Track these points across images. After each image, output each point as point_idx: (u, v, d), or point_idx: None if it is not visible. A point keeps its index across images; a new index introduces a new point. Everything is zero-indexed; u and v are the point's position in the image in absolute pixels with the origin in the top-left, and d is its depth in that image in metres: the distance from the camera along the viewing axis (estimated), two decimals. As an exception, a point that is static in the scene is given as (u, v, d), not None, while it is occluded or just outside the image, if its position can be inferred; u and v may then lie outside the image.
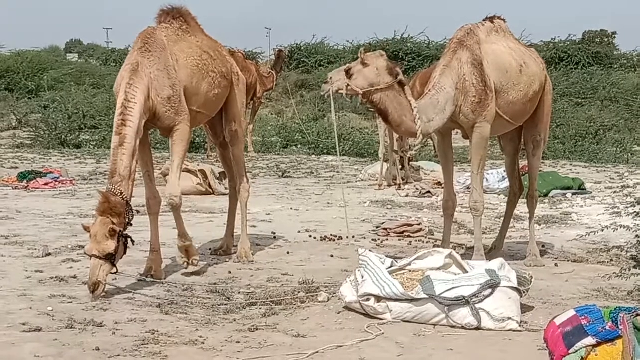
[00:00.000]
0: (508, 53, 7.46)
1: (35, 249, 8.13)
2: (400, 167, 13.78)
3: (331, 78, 7.16)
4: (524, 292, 6.13)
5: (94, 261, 6.35)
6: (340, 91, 7.08)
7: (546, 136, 8.16)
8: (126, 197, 6.56)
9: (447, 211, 7.59)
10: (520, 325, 5.80)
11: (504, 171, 9.95)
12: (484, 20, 7.64)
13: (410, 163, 14.36)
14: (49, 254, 8.00)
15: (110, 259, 6.40)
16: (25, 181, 13.07)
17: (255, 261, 7.92)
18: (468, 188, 12.57)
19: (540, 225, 9.68)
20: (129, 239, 6.59)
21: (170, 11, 7.53)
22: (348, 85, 7.00)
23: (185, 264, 7.17)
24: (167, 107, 6.96)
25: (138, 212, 6.91)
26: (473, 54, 7.22)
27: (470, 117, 7.15)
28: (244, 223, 8.10)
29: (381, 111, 7.04)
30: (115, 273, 6.54)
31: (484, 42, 7.37)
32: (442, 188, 12.75)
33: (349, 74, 7.00)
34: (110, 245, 6.38)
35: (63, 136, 20.56)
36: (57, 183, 13.23)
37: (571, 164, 17.52)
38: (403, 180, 13.69)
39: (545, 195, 12.07)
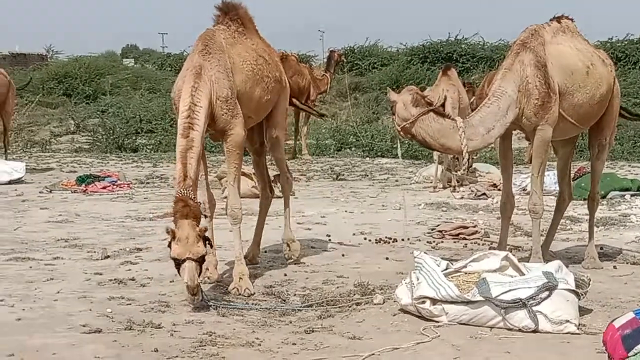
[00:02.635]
0: (574, 54, 7.34)
1: (94, 252, 8.25)
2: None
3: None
4: (582, 295, 6.06)
5: (190, 264, 6.10)
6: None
7: (612, 140, 8.02)
8: (198, 202, 6.45)
9: (505, 213, 7.53)
10: (578, 328, 5.74)
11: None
12: (550, 21, 7.51)
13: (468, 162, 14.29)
14: (108, 257, 8.12)
15: (202, 261, 6.23)
16: (83, 185, 13.26)
17: (310, 263, 7.95)
18: (524, 190, 12.52)
19: (598, 227, 9.55)
20: (207, 242, 6.40)
21: (228, 12, 7.45)
22: (393, 120, 7.26)
23: (235, 290, 6.81)
24: (224, 109, 6.89)
25: (205, 216, 6.86)
26: (536, 56, 7.13)
27: (533, 120, 7.08)
28: (288, 218, 8.06)
29: (421, 142, 7.21)
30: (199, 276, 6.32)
31: (548, 43, 7.25)
32: (498, 190, 12.75)
33: (392, 113, 7.24)
34: (202, 248, 6.20)
35: (120, 140, 20.85)
36: (114, 187, 13.41)
37: (630, 165, 17.27)
38: (458, 182, 13.62)
39: (604, 197, 11.90)
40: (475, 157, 15.72)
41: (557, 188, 8.37)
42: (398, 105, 7.09)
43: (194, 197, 6.38)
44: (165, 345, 5.42)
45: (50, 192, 12.97)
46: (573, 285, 5.92)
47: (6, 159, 15.61)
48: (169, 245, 6.22)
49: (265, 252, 8.33)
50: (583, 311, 6.04)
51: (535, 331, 5.72)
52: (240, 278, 6.82)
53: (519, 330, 5.73)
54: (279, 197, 8.26)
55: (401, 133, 7.18)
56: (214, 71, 6.88)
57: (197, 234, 6.19)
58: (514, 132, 7.54)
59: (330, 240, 9.17)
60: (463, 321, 5.87)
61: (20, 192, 12.82)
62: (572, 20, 7.63)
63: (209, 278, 6.96)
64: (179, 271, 6.19)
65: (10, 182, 13.75)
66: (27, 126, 23.81)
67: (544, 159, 7.25)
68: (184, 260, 6.12)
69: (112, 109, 23.42)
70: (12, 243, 8.81)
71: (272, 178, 10.19)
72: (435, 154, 13.64)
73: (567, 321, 5.73)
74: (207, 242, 6.33)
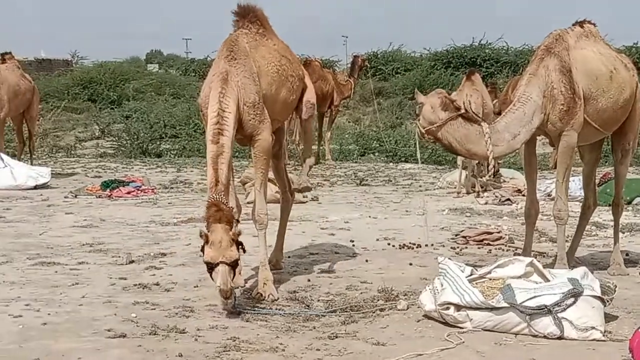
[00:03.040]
0: (598, 59, 7.30)
1: (119, 257, 8.30)
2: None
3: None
4: (608, 301, 6.02)
5: (223, 268, 6.08)
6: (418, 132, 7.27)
7: (635, 144, 7.96)
8: (230, 207, 6.43)
9: (529, 219, 7.49)
10: (604, 335, 5.70)
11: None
12: (573, 25, 7.48)
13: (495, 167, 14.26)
14: (132, 262, 8.16)
15: (235, 265, 6.21)
16: (108, 190, 13.33)
17: (333, 269, 7.94)
18: (548, 195, 12.45)
19: (623, 233, 9.49)
20: (240, 247, 6.37)
21: (246, 14, 7.43)
22: (416, 126, 7.17)
23: (259, 295, 6.78)
24: (251, 115, 6.87)
25: (238, 221, 6.84)
26: (561, 61, 7.10)
27: (558, 126, 7.05)
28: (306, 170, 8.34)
29: (446, 146, 7.15)
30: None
31: (572, 47, 7.22)
32: (522, 195, 12.68)
33: (416, 115, 7.15)
34: (235, 252, 6.18)
35: (144, 145, 20.96)
36: (139, 192, 13.46)
37: (655, 171, 17.15)
38: (482, 187, 13.58)
39: (629, 203, 11.83)
40: (500, 162, 15.66)
41: (582, 194, 8.31)
42: (425, 107, 7.05)
43: (226, 202, 6.36)
44: (190, 350, 5.43)
45: (76, 197, 13.05)
46: (599, 292, 5.88)
47: (32, 163, 15.74)
48: (202, 249, 6.22)
49: (289, 257, 8.33)
50: (609, 318, 6.00)
51: (560, 338, 5.68)
52: (264, 283, 6.83)
53: (544, 336, 5.70)
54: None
55: (426, 136, 7.15)
56: (240, 76, 6.86)
57: (230, 237, 6.18)
58: (538, 137, 7.51)
59: (353, 245, 9.16)
60: (487, 327, 5.84)
61: (46, 197, 12.91)
62: (594, 24, 7.60)
63: (234, 283, 6.95)
64: (211, 275, 6.19)
65: (36, 187, 13.86)
66: (52, 131, 24.01)
67: (569, 164, 7.21)
68: (217, 264, 6.12)
69: (136, 114, 23.55)
70: (37, 248, 8.87)
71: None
72: (459, 159, 13.61)
73: (593, 328, 5.69)
74: (240, 246, 6.32)
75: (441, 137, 7.03)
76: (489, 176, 7.99)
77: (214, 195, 6.34)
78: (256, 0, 7.53)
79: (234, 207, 6.99)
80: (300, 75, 7.64)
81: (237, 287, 6.51)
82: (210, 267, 6.16)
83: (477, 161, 12.86)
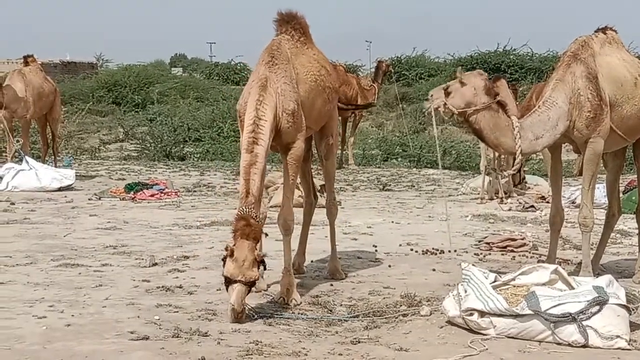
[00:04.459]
0: (622, 65, 7.27)
1: (142, 259, 8.32)
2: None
3: (432, 95, 7.09)
4: (634, 310, 5.97)
5: (240, 287, 6.05)
6: (438, 109, 7.03)
7: None
8: (260, 220, 6.34)
9: (554, 226, 7.44)
10: (629, 344, 5.65)
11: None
12: (595, 32, 7.46)
13: (520, 175, 14.21)
14: (155, 264, 8.17)
15: (252, 286, 6.18)
16: (132, 192, 13.38)
17: (356, 274, 7.93)
18: (573, 202, 12.37)
19: (649, 241, 9.41)
20: (262, 265, 6.33)
21: (290, 20, 7.36)
22: (445, 104, 6.96)
23: (282, 300, 6.75)
24: (290, 123, 6.75)
25: (266, 234, 6.75)
26: (588, 67, 7.06)
27: (584, 133, 7.00)
28: (333, 240, 7.90)
29: (476, 131, 6.99)
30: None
31: (598, 54, 7.19)
32: (546, 202, 12.63)
33: (447, 92, 6.97)
34: (256, 273, 6.12)
35: (168, 148, 21.04)
36: (162, 194, 13.50)
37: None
38: (506, 194, 13.52)
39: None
40: (526, 170, 15.60)
41: (607, 201, 8.26)
42: (467, 88, 6.89)
43: (256, 216, 6.26)
44: (212, 354, 5.43)
45: (99, 199, 13.12)
46: (624, 300, 5.83)
47: (55, 165, 15.84)
48: (224, 261, 6.19)
49: (312, 262, 8.32)
50: (634, 326, 5.94)
51: (585, 346, 5.64)
52: (287, 289, 6.81)
53: (569, 344, 5.66)
54: (323, 207, 8.22)
55: (456, 116, 6.99)
56: (280, 83, 6.77)
57: (254, 257, 6.12)
58: (563, 145, 7.47)
59: (376, 250, 9.14)
60: (511, 334, 5.81)
61: (70, 199, 12.98)
62: (615, 31, 7.56)
63: (256, 288, 6.92)
64: (227, 289, 6.15)
65: (60, 189, 13.93)
66: (77, 134, 24.14)
67: (595, 171, 7.16)
68: (235, 281, 6.08)
69: (160, 118, 23.66)
70: (62, 249, 8.92)
71: (319, 188, 10.20)
72: (482, 165, 13.57)
73: (618, 336, 5.64)
74: (262, 264, 6.28)
75: (473, 121, 6.89)
76: (514, 170, 7.79)
77: (244, 207, 6.26)
78: (286, 6, 7.52)
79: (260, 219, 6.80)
80: (336, 88, 7.60)
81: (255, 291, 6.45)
82: (228, 282, 6.13)
83: (500, 155, 12.76)
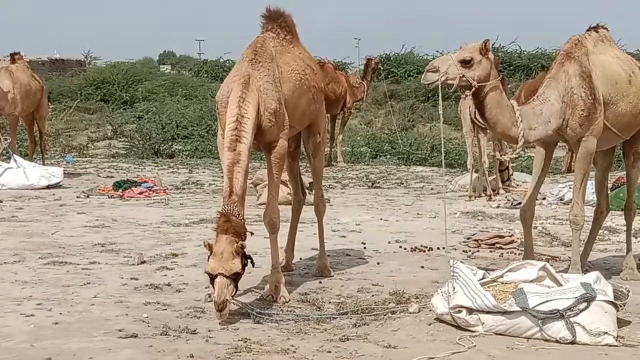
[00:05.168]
0: (616, 63, 7.27)
1: (131, 257, 8.31)
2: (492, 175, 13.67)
3: (438, 67, 6.71)
4: (621, 307, 5.99)
5: (221, 280, 6.01)
6: (450, 81, 6.71)
7: None
8: (243, 218, 6.32)
9: (525, 221, 7.37)
10: (616, 340, 5.67)
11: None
12: (587, 30, 7.44)
13: (508, 172, 14.24)
14: (144, 262, 8.16)
15: (236, 278, 6.13)
16: (120, 190, 13.35)
17: (345, 271, 7.94)
18: (561, 199, 12.41)
19: (636, 237, 9.44)
20: (249, 260, 6.32)
21: (277, 18, 7.34)
22: (463, 76, 6.69)
23: (270, 297, 6.75)
24: (272, 122, 6.74)
25: (252, 233, 6.69)
26: (581, 66, 7.06)
27: (578, 131, 7.00)
28: (322, 237, 7.89)
29: (481, 105, 6.79)
30: (234, 295, 6.23)
31: (591, 53, 7.18)
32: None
33: (469, 64, 6.71)
34: (237, 264, 6.09)
35: (157, 146, 20.99)
36: (151, 192, 13.48)
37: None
38: (493, 190, 13.54)
39: (642, 207, 11.75)
40: (513, 165, 15.63)
41: (595, 198, 8.28)
42: (486, 60, 6.76)
43: (239, 213, 6.25)
44: (201, 351, 5.43)
45: (88, 197, 13.08)
46: (612, 297, 5.86)
47: (43, 163, 15.79)
48: (208, 259, 6.19)
49: (301, 259, 8.32)
50: (621, 323, 5.97)
51: (572, 342, 5.65)
52: (275, 286, 6.81)
53: (556, 341, 5.68)
54: (311, 205, 8.22)
55: (473, 88, 6.68)
56: (263, 81, 6.75)
57: (233, 250, 6.10)
58: (557, 143, 7.46)
59: (365, 248, 9.15)
60: (499, 331, 5.82)
61: (58, 197, 12.95)
62: (607, 29, 7.56)
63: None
64: (213, 286, 6.13)
65: (48, 187, 13.89)
66: (64, 131, 24.07)
67: (586, 170, 7.17)
68: (216, 275, 6.06)
69: (149, 115, 23.58)
70: (50, 247, 8.89)
71: (308, 185, 10.21)
72: (469, 163, 13.58)
73: (605, 333, 5.66)
74: (248, 259, 6.26)
75: (485, 96, 6.72)
76: (515, 154, 7.51)
77: (226, 205, 6.26)
78: (275, 4, 7.48)
79: (243, 217, 6.71)
80: (322, 88, 7.55)
81: (233, 301, 6.28)
82: (211, 278, 6.11)
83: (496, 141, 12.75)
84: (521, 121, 6.81)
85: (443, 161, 7.29)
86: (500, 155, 13.08)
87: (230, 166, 6.36)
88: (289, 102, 6.98)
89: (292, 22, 7.45)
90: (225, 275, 6.05)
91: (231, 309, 6.18)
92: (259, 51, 6.94)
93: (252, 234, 6.68)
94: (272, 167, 6.92)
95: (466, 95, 7.01)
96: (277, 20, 7.35)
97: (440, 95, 6.79)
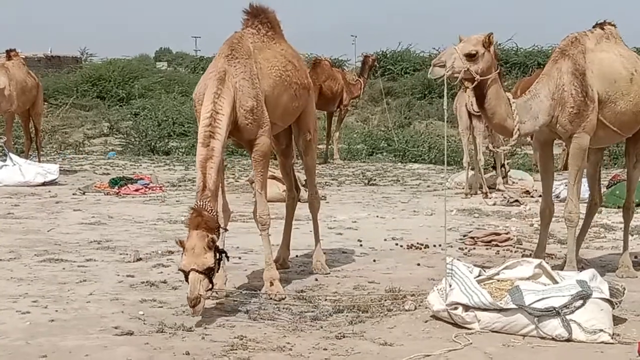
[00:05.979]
0: (619, 61, 7.23)
1: (127, 254, 8.31)
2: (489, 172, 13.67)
3: (444, 61, 6.72)
4: (617, 304, 6.00)
5: (193, 275, 5.96)
6: (455, 75, 6.72)
7: None
8: (215, 213, 6.30)
9: (544, 220, 7.46)
10: (612, 338, 5.68)
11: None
12: (593, 27, 7.41)
13: (505, 168, 14.24)
14: (140, 259, 8.16)
15: (209, 273, 6.06)
16: (116, 187, 13.35)
17: (341, 269, 7.94)
18: (557, 197, 12.39)
19: (632, 235, 9.45)
20: (223, 255, 6.29)
21: (258, 15, 7.30)
22: (467, 69, 6.71)
23: (266, 295, 6.74)
24: (249, 120, 6.71)
25: (226, 229, 6.72)
26: (575, 64, 7.04)
27: (568, 128, 7.01)
28: (317, 234, 7.90)
29: (481, 96, 6.82)
30: (211, 289, 6.19)
31: (590, 50, 7.15)
32: (531, 197, 12.69)
33: (473, 57, 6.73)
34: (210, 259, 6.04)
35: (153, 143, 20.95)
36: (147, 189, 13.47)
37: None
38: (490, 188, 13.55)
39: (639, 205, 11.77)
40: (509, 162, 15.62)
41: (589, 195, 8.29)
42: (487, 54, 6.77)
43: (211, 209, 6.23)
44: (197, 349, 5.43)
45: (84, 194, 13.07)
46: (607, 294, 5.86)
47: (39, 160, 15.77)
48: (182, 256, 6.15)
49: (297, 256, 8.32)
50: (617, 320, 5.98)
51: (568, 340, 5.66)
52: (271, 283, 6.81)
53: (552, 339, 5.68)
54: (306, 202, 8.21)
55: (475, 82, 6.72)
56: (239, 78, 6.70)
57: (204, 245, 6.05)
58: (554, 141, 7.46)
59: (361, 245, 9.15)
60: (495, 329, 5.83)
61: (54, 194, 12.93)
62: (614, 26, 7.53)
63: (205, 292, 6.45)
64: (188, 282, 6.06)
65: (44, 184, 13.88)
66: (61, 128, 24.02)
67: (580, 166, 7.17)
68: (190, 272, 6.02)
69: (145, 112, 23.53)
70: (45, 244, 8.89)
71: (303, 182, 10.21)
72: (465, 161, 13.59)
73: (601, 330, 5.67)
74: (221, 253, 6.21)
75: (488, 87, 6.76)
76: (511, 146, 7.48)
77: (199, 200, 6.24)
78: (267, 2, 7.46)
79: (222, 213, 6.81)
80: (305, 84, 7.46)
81: (208, 297, 6.24)
82: (185, 274, 6.06)
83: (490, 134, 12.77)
84: (517, 114, 6.84)
85: (445, 157, 7.29)
86: (494, 147, 13.08)
87: (204, 162, 6.35)
88: (269, 99, 6.92)
89: (274, 19, 7.39)
90: (198, 271, 6.00)
91: (209, 305, 6.12)
92: (235, 47, 6.89)
93: (226, 229, 6.66)
94: (256, 165, 6.90)
95: (467, 88, 6.99)
96: (258, 17, 7.30)
97: (446, 89, 6.72)
